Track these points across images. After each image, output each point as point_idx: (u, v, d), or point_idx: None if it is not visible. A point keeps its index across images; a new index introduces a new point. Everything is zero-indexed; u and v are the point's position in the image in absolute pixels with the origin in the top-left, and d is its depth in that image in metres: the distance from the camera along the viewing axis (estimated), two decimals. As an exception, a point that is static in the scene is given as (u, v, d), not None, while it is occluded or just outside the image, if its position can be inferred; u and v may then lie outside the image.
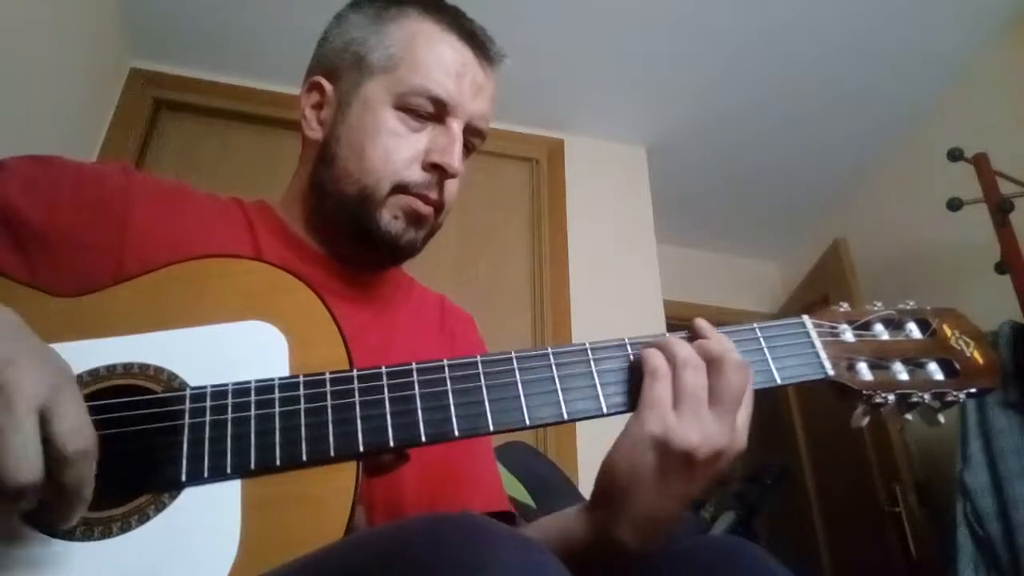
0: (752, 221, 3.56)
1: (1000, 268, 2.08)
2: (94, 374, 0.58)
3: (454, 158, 0.78)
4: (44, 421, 0.46)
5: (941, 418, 0.67)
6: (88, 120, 2.51)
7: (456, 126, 0.80)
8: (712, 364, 0.60)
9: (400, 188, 0.79)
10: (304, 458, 0.56)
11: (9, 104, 1.99)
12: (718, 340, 0.62)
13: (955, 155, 2.22)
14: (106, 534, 0.52)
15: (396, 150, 0.78)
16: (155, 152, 2.63)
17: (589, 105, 2.93)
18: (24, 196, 0.69)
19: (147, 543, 0.52)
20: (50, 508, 0.48)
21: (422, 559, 0.41)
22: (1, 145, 1.89)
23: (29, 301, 0.60)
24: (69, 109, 2.37)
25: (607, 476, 0.61)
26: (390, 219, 0.79)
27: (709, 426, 0.58)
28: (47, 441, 0.46)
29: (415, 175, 0.79)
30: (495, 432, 0.59)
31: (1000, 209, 2.11)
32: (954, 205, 2.20)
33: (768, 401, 3.57)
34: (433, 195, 0.80)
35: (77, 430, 0.47)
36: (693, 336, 0.64)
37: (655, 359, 0.60)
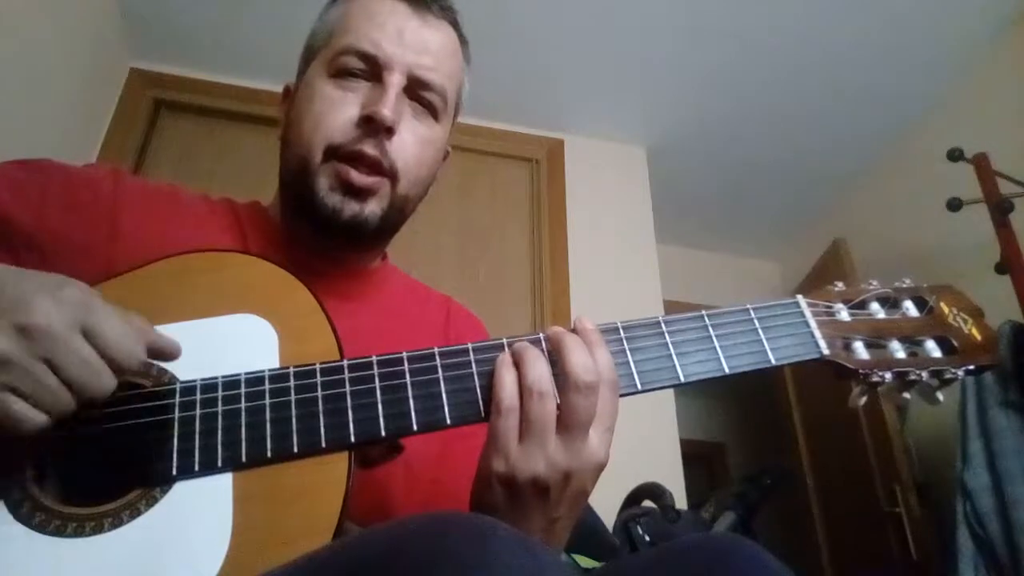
0: (752, 221, 3.56)
1: (1000, 268, 2.08)
2: None
3: (383, 105, 0.74)
4: (90, 338, 0.50)
5: (940, 396, 0.66)
6: (88, 120, 2.52)
7: (391, 78, 0.77)
8: (561, 386, 0.56)
9: (333, 152, 0.75)
10: (295, 450, 0.55)
11: (9, 104, 1.99)
12: (574, 351, 0.57)
13: (955, 155, 2.22)
14: (97, 530, 0.52)
15: (329, 114, 0.76)
16: (155, 152, 2.63)
17: (589, 105, 2.93)
18: (13, 199, 0.69)
19: (139, 538, 0.52)
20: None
21: (422, 558, 0.40)
22: (1, 145, 1.90)
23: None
24: (69, 109, 2.37)
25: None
26: (327, 191, 0.75)
27: (555, 454, 0.55)
28: (104, 356, 0.50)
29: (348, 134, 0.75)
30: (487, 420, 0.58)
31: (1000, 209, 2.11)
32: (954, 205, 2.20)
33: (768, 401, 3.57)
34: (369, 149, 0.75)
35: (125, 340, 0.51)
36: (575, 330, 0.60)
37: (504, 390, 0.56)
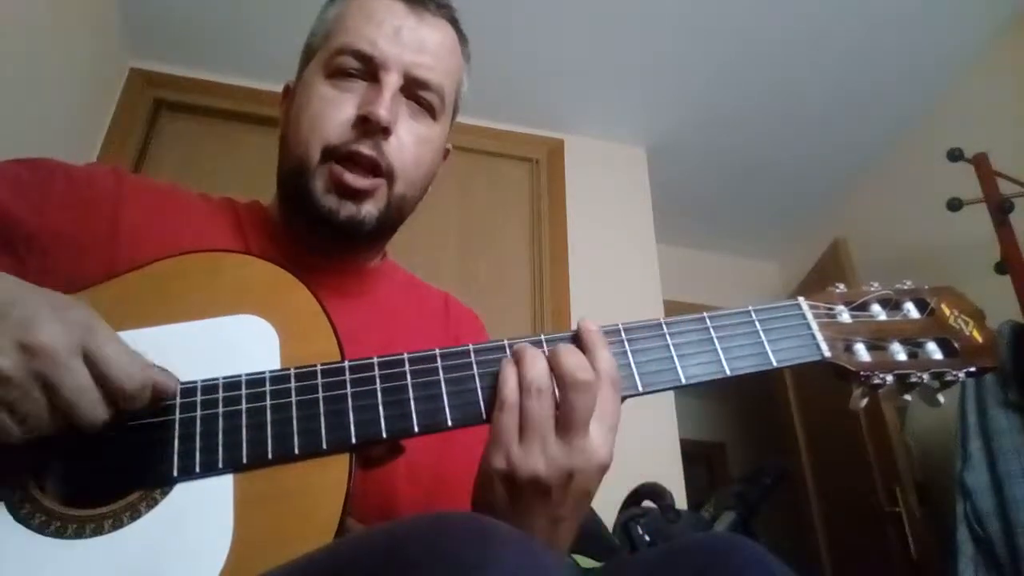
0: (752, 221, 3.56)
1: (1000, 268, 2.08)
2: None
3: (379, 106, 0.74)
4: (92, 365, 0.50)
5: (941, 398, 0.66)
6: (88, 120, 2.52)
7: (388, 78, 0.76)
8: (559, 385, 0.56)
9: (329, 153, 0.75)
10: (296, 451, 0.55)
11: (9, 104, 1.99)
12: (568, 350, 0.57)
13: (955, 155, 2.22)
14: (97, 532, 0.52)
15: (325, 114, 0.76)
16: (155, 152, 2.64)
17: (589, 105, 2.93)
18: (13, 198, 0.69)
19: (140, 539, 0.52)
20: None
21: (422, 558, 0.40)
22: (1, 145, 1.90)
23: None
24: (69, 109, 2.37)
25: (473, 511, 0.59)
26: (323, 192, 0.75)
27: (555, 453, 0.55)
28: (103, 384, 0.50)
29: (344, 134, 0.75)
30: (488, 421, 0.58)
31: (1000, 209, 2.11)
32: (954, 205, 2.20)
33: (768, 401, 3.57)
34: (365, 150, 0.75)
35: (127, 366, 0.51)
36: (575, 337, 0.61)
37: (506, 386, 0.57)
